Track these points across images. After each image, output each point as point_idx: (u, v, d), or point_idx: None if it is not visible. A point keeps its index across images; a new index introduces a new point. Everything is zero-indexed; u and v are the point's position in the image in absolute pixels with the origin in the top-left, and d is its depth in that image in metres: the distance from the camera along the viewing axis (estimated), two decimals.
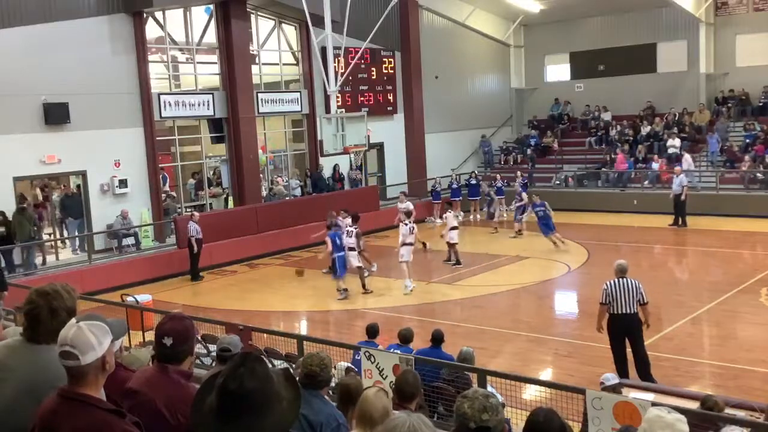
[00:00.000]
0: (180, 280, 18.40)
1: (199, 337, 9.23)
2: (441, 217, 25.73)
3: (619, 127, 28.75)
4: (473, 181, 26.38)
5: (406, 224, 16.37)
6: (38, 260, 18.16)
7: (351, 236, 16.23)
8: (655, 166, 25.85)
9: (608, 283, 9.81)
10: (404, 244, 16.10)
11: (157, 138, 20.58)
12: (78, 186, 19.59)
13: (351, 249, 16.10)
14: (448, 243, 18.29)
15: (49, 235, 19.82)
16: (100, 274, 17.46)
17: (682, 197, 21.68)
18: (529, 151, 29.92)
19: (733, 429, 5.31)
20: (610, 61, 30.29)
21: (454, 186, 26.03)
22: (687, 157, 24.86)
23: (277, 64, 24.48)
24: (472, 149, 30.89)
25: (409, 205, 18.97)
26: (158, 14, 21.02)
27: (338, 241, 15.67)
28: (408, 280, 15.87)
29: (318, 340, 9.05)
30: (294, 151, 25.46)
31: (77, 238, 19.51)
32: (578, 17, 30.38)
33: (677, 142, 26.53)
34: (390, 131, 27.03)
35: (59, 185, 21.02)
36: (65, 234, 20.21)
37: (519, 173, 26.05)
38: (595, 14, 30.00)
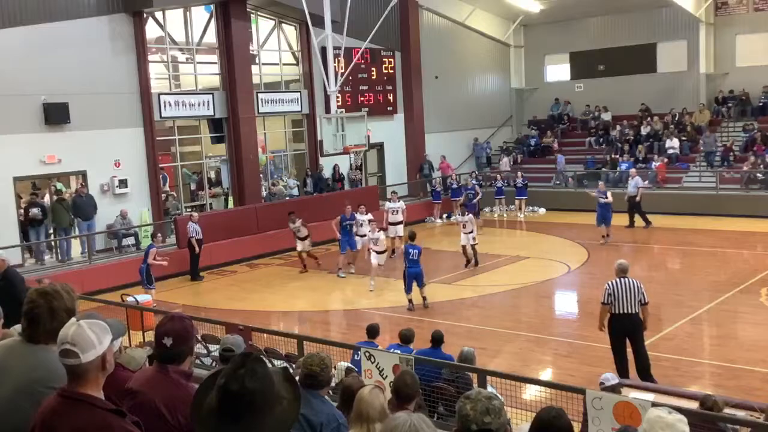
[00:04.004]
0: (180, 280, 18.39)
1: (199, 337, 9.23)
2: (441, 218, 25.80)
3: (619, 127, 28.77)
4: (473, 182, 26.36)
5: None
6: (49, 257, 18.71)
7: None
8: (654, 166, 25.87)
9: (610, 283, 9.81)
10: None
11: (157, 138, 20.57)
12: (60, 191, 19.69)
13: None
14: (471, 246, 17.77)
15: (49, 234, 19.77)
16: (100, 274, 17.46)
17: (637, 198, 21.61)
18: (514, 157, 30.03)
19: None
20: (610, 61, 30.30)
21: (454, 186, 26.02)
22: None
23: (277, 64, 24.49)
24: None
25: (401, 205, 20.01)
26: (158, 14, 21.01)
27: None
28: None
29: (318, 340, 9.05)
30: (294, 151, 25.46)
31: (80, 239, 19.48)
32: (578, 17, 30.38)
33: (676, 142, 26.54)
34: (390, 131, 27.03)
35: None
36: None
37: (519, 173, 26.08)
38: (595, 14, 29.99)
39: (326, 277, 18.11)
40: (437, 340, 8.57)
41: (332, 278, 17.93)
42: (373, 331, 9.30)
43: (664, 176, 25.46)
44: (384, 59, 26.81)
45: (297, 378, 3.70)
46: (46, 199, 19.53)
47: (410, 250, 14.52)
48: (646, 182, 25.19)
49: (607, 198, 20.02)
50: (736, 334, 12.50)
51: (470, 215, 18.13)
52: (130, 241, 19.61)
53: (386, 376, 6.92)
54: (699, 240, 20.17)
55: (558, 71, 32.43)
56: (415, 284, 14.51)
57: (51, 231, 18.98)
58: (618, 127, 28.74)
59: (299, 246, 18.72)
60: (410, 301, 14.65)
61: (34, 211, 18.08)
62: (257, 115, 22.93)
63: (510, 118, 32.86)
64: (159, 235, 16.67)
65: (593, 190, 21.10)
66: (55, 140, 18.25)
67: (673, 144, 26.52)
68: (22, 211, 18.49)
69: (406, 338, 8.78)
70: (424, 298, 14.69)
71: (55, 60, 18.15)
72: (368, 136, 20.80)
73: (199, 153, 22.86)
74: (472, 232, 17.48)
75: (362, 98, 25.85)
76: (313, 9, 19.51)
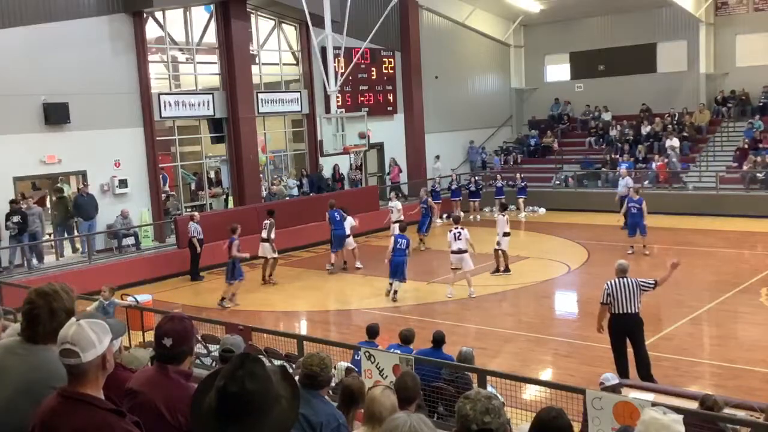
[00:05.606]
0: (180, 280, 18.40)
1: (199, 337, 9.23)
2: (441, 218, 25.76)
3: (619, 127, 28.76)
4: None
5: (450, 231, 15.54)
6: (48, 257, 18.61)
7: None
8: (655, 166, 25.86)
9: (609, 282, 9.81)
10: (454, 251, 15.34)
11: (157, 138, 20.58)
12: (59, 190, 19.67)
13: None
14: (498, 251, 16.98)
15: (49, 235, 19.79)
16: (100, 274, 17.43)
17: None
18: (514, 157, 29.96)
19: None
20: (610, 61, 30.31)
21: (454, 186, 26.00)
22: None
23: (277, 64, 24.49)
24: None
25: (397, 204, 20.12)
26: (158, 14, 21.02)
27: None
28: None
29: (318, 340, 9.06)
30: (294, 151, 25.46)
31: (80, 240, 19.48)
32: (578, 17, 30.40)
33: (675, 142, 26.54)
34: (390, 131, 27.03)
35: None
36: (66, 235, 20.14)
37: (518, 174, 26.06)
38: (595, 14, 30.01)
39: (326, 276, 18.12)
40: (438, 340, 8.56)
41: (331, 278, 17.95)
42: (373, 331, 9.30)
43: (666, 176, 25.45)
44: (384, 59, 26.81)
45: (297, 378, 3.70)
46: (47, 203, 19.53)
47: (399, 240, 15.35)
48: (646, 182, 25.25)
49: (641, 207, 18.28)
50: (736, 334, 12.51)
51: (505, 216, 17.06)
52: (130, 241, 19.61)
53: (386, 376, 6.92)
54: (699, 240, 20.16)
55: (558, 71, 32.43)
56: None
57: (50, 232, 18.97)
58: (618, 127, 28.75)
59: (269, 251, 17.47)
60: (394, 291, 15.17)
61: (15, 219, 16.88)
62: (257, 115, 22.93)
63: (510, 118, 32.87)
64: (239, 227, 16.32)
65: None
66: (55, 140, 18.25)
67: (673, 144, 26.51)
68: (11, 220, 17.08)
69: (406, 338, 8.78)
70: (395, 292, 15.17)
71: (55, 60, 18.16)
72: (368, 136, 20.78)
73: (199, 153, 22.86)
74: (507, 234, 16.81)
75: (362, 98, 25.84)
76: (313, 9, 19.51)
